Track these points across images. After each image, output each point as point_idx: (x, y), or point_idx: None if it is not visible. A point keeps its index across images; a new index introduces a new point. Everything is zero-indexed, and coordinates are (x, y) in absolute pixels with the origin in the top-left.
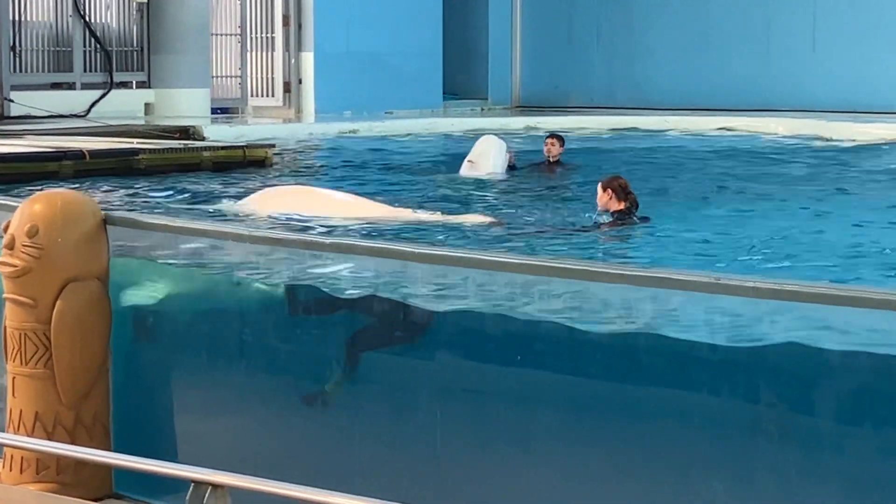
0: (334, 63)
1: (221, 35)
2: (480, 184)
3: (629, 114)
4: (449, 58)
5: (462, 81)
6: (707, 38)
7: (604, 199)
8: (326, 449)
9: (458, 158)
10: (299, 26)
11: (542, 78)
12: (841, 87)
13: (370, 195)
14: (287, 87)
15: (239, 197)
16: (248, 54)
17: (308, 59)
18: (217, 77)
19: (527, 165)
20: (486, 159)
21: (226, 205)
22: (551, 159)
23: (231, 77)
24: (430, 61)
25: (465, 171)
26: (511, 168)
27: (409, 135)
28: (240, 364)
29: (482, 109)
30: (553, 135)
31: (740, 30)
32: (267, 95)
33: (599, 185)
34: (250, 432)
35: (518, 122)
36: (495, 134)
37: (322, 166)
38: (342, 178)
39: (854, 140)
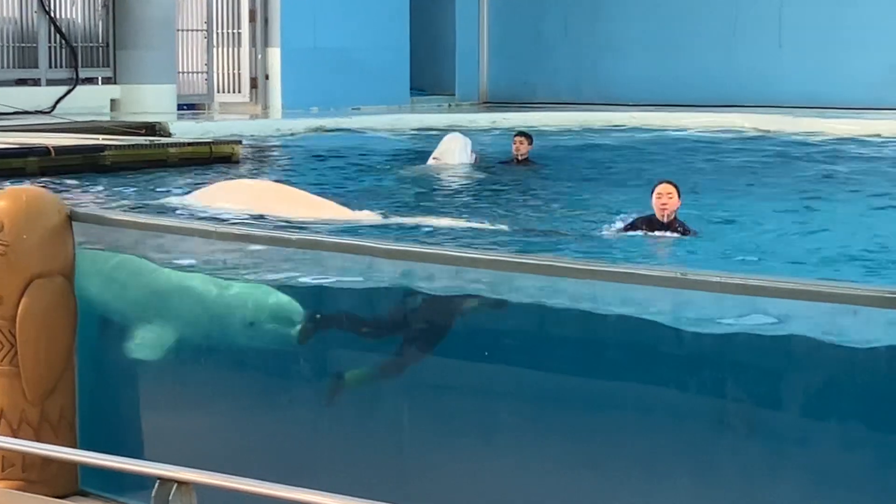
0: (301, 59)
1: (187, 31)
2: (448, 180)
3: (596, 110)
4: (416, 54)
5: (429, 77)
6: (674, 34)
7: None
8: (292, 445)
9: (424, 154)
10: (266, 22)
11: (510, 74)
12: (806, 82)
13: (338, 191)
14: (254, 83)
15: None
16: (215, 50)
17: (275, 54)
18: (183, 73)
19: (495, 163)
20: (451, 155)
21: (174, 199)
22: (519, 157)
23: (197, 73)
24: (398, 57)
25: (432, 164)
26: (475, 164)
27: (376, 130)
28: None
29: (449, 105)
30: (521, 133)
31: (707, 26)
32: (233, 91)
33: (674, 187)
34: (217, 429)
35: (485, 118)
36: (461, 130)
37: (289, 162)
38: (308, 173)
39: (820, 134)
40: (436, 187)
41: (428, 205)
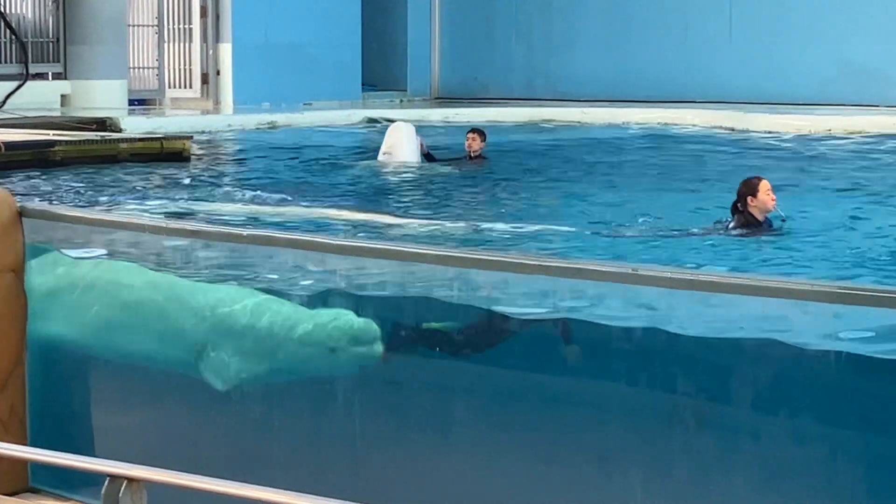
0: (252, 54)
1: (138, 26)
2: (401, 175)
3: (548, 106)
4: (368, 49)
5: (381, 73)
6: (625, 30)
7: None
8: (243, 442)
9: (376, 149)
10: (217, 17)
11: (462, 69)
12: (757, 78)
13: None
14: (205, 79)
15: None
16: (166, 45)
17: (226, 50)
18: (134, 68)
19: (448, 159)
20: (400, 149)
21: None
22: (472, 154)
23: (148, 68)
24: (349, 52)
25: (382, 159)
26: (427, 157)
27: (327, 126)
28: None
29: (401, 101)
30: (474, 129)
31: (658, 22)
32: (185, 87)
33: (769, 184)
34: (167, 427)
35: (437, 114)
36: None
37: (240, 158)
38: (261, 169)
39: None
40: (390, 184)
41: (390, 202)
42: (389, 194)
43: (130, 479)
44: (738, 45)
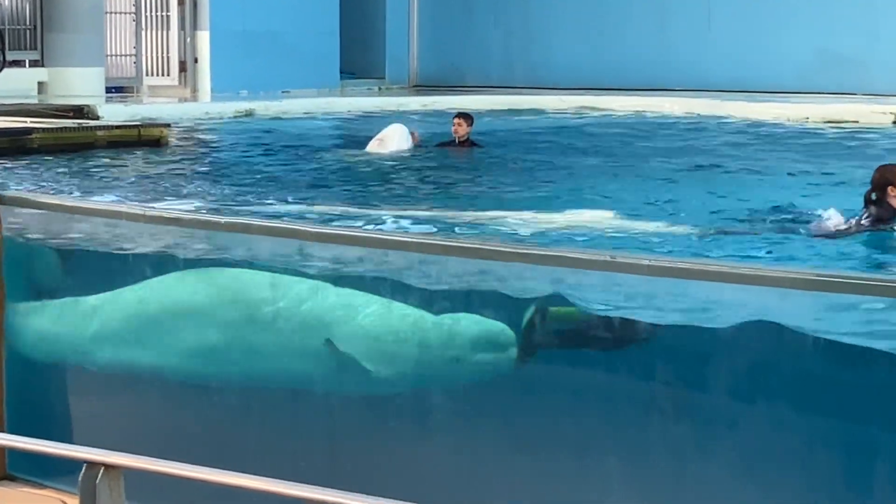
0: (230, 42)
1: (116, 13)
2: (392, 162)
3: (526, 93)
4: (346, 37)
5: (359, 61)
6: (604, 18)
7: None
8: (221, 430)
9: (357, 138)
10: (195, 5)
11: (440, 57)
12: (735, 66)
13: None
14: (183, 67)
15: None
16: (143, 33)
17: (204, 37)
18: (111, 56)
19: (434, 144)
20: (391, 140)
21: None
22: (459, 139)
23: (126, 56)
24: (327, 40)
25: (373, 148)
26: (417, 146)
27: (306, 114)
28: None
29: (379, 89)
30: (460, 114)
31: (636, 10)
32: (162, 75)
33: None
34: (145, 414)
35: (415, 102)
36: (391, 113)
37: (219, 146)
38: (242, 159)
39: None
40: (381, 172)
41: (385, 191)
42: (378, 183)
43: (108, 466)
44: (716, 33)
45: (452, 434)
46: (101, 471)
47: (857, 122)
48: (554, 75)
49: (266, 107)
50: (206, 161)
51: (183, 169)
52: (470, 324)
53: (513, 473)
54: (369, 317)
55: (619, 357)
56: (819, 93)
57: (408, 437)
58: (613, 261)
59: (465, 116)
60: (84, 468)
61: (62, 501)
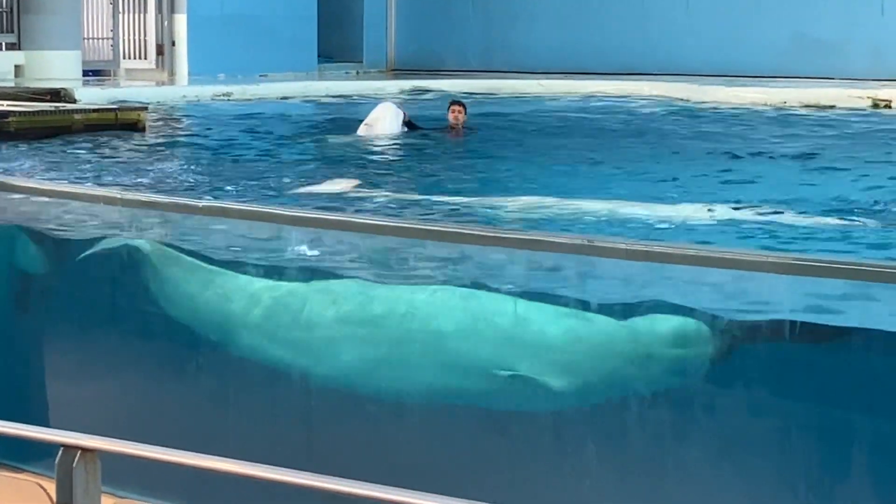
0: (208, 25)
1: None
2: (383, 149)
3: (505, 77)
4: (324, 20)
5: (337, 44)
6: (583, 2)
7: None
8: (198, 413)
9: (339, 121)
10: None
11: (418, 41)
12: (714, 51)
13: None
14: (160, 50)
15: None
16: (121, 16)
17: (181, 21)
18: (89, 39)
19: (431, 129)
20: (383, 122)
21: None
22: (453, 125)
23: (103, 39)
24: (305, 24)
25: (363, 132)
26: (409, 125)
27: (283, 97)
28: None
29: (357, 73)
30: (456, 101)
31: None
32: (139, 58)
33: None
34: (123, 397)
35: (393, 86)
36: (369, 98)
37: (198, 130)
38: (228, 143)
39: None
40: (372, 157)
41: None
42: (368, 166)
43: (84, 450)
44: (695, 17)
45: (650, 445)
46: (78, 454)
47: (833, 106)
48: (533, 59)
49: (243, 90)
50: (184, 144)
51: (163, 151)
52: (662, 324)
53: (720, 482)
54: (557, 328)
55: (823, 353)
56: (797, 77)
57: (601, 454)
58: (591, 244)
59: (460, 104)
60: (60, 452)
61: (39, 485)
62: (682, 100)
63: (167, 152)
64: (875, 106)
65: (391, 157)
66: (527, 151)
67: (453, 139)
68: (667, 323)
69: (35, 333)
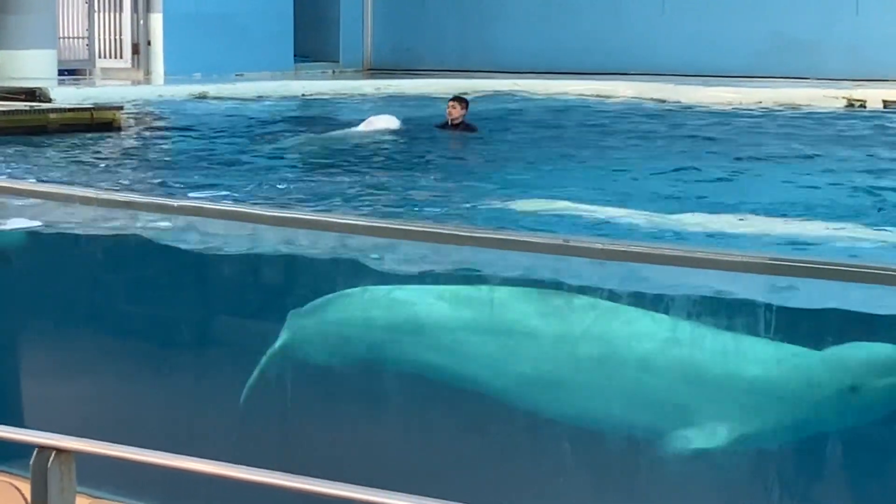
0: (184, 24)
1: None
2: (389, 142)
3: (482, 77)
4: (300, 19)
5: (313, 44)
6: (560, 2)
7: None
8: (174, 414)
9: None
10: None
11: (394, 41)
12: (689, 50)
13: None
14: (136, 49)
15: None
16: (96, 15)
17: (157, 20)
18: (64, 38)
19: (431, 126)
20: (380, 121)
21: None
22: (453, 121)
23: (78, 38)
24: (281, 23)
25: (364, 126)
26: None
27: (259, 97)
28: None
29: (333, 72)
30: (456, 97)
31: None
32: (115, 57)
33: None
34: (98, 398)
35: (369, 85)
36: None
37: (175, 129)
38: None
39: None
40: (374, 151)
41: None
42: (373, 161)
43: (59, 450)
44: (670, 17)
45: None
46: (53, 455)
47: (809, 105)
48: (509, 59)
49: (219, 90)
50: (160, 144)
51: (138, 152)
52: (861, 352)
53: None
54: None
55: None
56: (773, 77)
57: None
58: (567, 244)
59: (460, 100)
60: (35, 452)
61: (13, 485)
62: (658, 100)
63: (143, 151)
64: (850, 106)
65: (389, 152)
66: (520, 148)
67: (450, 135)
68: (866, 349)
69: None
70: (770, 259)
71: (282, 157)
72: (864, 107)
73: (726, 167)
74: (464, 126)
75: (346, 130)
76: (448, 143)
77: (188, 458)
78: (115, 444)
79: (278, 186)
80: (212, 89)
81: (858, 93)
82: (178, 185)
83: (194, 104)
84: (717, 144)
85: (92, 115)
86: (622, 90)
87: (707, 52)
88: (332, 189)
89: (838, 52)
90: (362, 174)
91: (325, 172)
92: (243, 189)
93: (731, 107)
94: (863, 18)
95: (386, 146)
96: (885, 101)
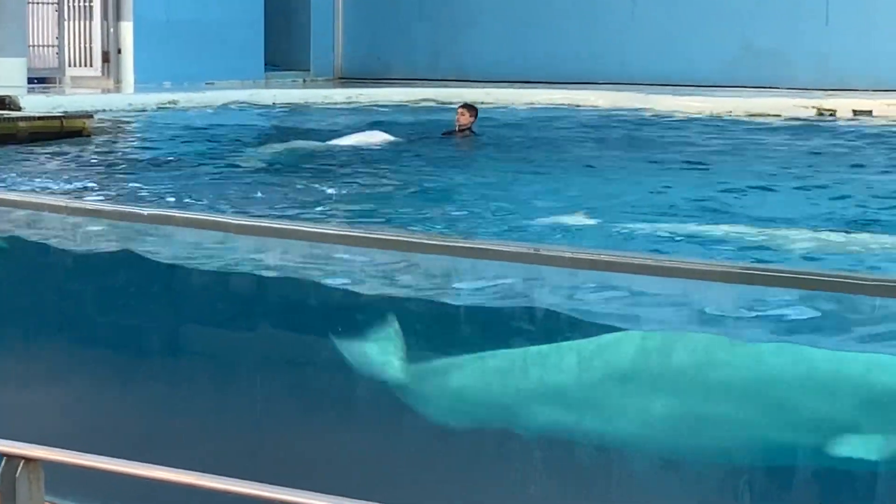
0: (154, 32)
1: (38, 3)
2: (394, 151)
3: (452, 86)
4: (271, 28)
5: (284, 52)
6: (531, 11)
7: None
8: (143, 422)
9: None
10: None
11: (365, 49)
12: (659, 60)
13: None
14: (106, 57)
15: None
16: (66, 23)
17: (127, 28)
18: (34, 46)
19: (439, 133)
20: (376, 134)
21: None
22: (460, 128)
23: (48, 46)
24: (252, 32)
25: (352, 140)
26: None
27: (231, 104)
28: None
29: (304, 81)
30: (465, 105)
31: (562, 3)
32: (85, 65)
33: None
34: (67, 406)
35: (340, 94)
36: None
37: (149, 136)
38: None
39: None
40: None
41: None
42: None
43: (27, 459)
44: (640, 26)
45: None
46: (21, 464)
47: (779, 115)
48: (480, 68)
49: (189, 98)
50: (130, 153)
51: (108, 160)
52: None
53: None
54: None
55: None
56: (743, 86)
57: None
58: (537, 253)
59: (469, 107)
60: (3, 461)
61: None
62: (629, 109)
63: (112, 159)
64: (820, 115)
65: (393, 159)
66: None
67: (457, 141)
68: None
69: None
70: (741, 269)
71: (252, 166)
72: (834, 116)
73: (699, 177)
74: (471, 132)
75: (333, 142)
76: (460, 148)
77: (156, 466)
78: (84, 454)
79: (254, 196)
80: (182, 98)
81: (829, 102)
82: (146, 194)
83: (164, 113)
84: (684, 153)
85: (62, 123)
86: (592, 99)
87: (677, 61)
88: (309, 198)
89: (808, 62)
90: (350, 185)
91: (321, 181)
92: (214, 196)
93: (701, 115)
94: (832, 28)
95: (387, 154)
96: (854, 111)
